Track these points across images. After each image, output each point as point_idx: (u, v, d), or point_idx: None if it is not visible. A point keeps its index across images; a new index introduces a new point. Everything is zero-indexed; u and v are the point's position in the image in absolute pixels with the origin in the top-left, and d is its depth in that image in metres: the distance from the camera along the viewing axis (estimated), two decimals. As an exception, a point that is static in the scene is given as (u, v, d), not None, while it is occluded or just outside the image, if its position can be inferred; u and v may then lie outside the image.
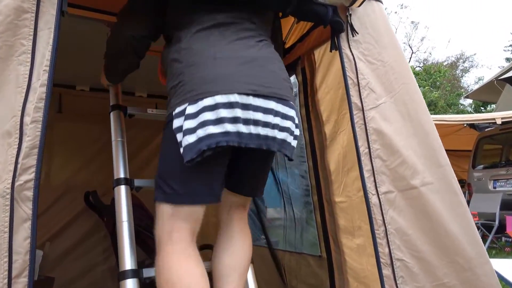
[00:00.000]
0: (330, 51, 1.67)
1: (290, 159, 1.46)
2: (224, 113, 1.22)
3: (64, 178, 3.27)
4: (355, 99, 1.55)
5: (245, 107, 1.25)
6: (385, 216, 1.44)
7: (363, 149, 1.52)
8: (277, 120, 1.33)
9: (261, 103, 1.29)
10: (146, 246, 2.83)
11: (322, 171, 2.33)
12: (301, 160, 2.53)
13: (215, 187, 1.35)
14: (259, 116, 1.28)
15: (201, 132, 1.22)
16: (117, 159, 1.68)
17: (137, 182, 1.66)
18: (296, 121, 1.45)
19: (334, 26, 1.63)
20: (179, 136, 1.27)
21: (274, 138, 1.33)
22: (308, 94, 2.44)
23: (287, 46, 2.66)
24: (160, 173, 1.35)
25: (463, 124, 7.32)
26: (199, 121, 1.23)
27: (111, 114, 1.83)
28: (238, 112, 1.23)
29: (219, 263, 1.44)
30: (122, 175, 1.63)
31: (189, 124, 1.23)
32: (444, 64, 28.02)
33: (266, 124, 1.30)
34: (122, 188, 1.60)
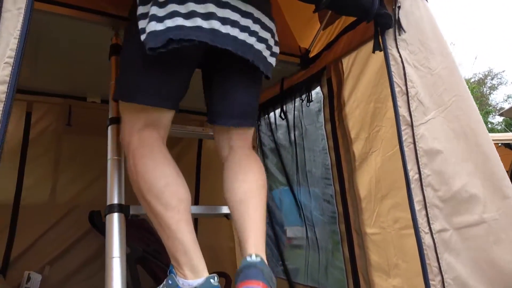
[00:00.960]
0: (373, 51, 1.37)
1: (266, 77, 1.31)
2: (194, 6, 1.11)
3: (70, 196, 3.07)
4: (403, 111, 1.25)
5: (221, 4, 1.14)
6: (440, 262, 1.12)
7: (412, 174, 1.22)
8: (256, 28, 1.22)
9: (240, 5, 1.18)
10: (154, 274, 2.57)
11: (350, 197, 2.02)
12: (326, 183, 2.23)
13: (173, 92, 1.24)
14: (236, 17, 1.17)
15: (169, 22, 1.11)
16: (111, 182, 1.42)
17: (133, 210, 1.40)
18: (276, 38, 1.35)
19: (380, 20, 1.37)
20: (142, 23, 1.16)
21: (251, 46, 1.20)
22: (334, 108, 2.16)
23: (312, 55, 2.40)
24: (120, 70, 1.29)
25: (498, 143, 6.85)
26: (167, 11, 1.12)
27: (109, 128, 1.59)
28: (212, 8, 1.13)
29: (232, 193, 1.25)
30: (115, 201, 1.37)
31: (156, 11, 1.13)
32: (471, 81, 27.20)
33: (244, 29, 1.19)
34: (115, 217, 1.34)
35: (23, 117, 3.04)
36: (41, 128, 3.10)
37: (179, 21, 1.11)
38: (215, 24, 1.13)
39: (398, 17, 1.30)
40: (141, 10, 1.19)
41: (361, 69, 1.95)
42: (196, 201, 3.27)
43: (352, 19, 2.04)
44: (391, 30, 1.33)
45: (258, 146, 3.04)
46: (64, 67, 2.51)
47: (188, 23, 1.11)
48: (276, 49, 1.35)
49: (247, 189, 1.24)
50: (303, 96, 2.45)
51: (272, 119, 2.80)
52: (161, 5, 1.14)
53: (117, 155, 1.49)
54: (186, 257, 1.09)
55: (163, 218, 1.11)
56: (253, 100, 1.39)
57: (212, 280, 1.07)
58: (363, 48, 1.93)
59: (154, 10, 1.13)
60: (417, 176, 1.19)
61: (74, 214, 3.01)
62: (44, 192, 3.03)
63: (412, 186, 1.19)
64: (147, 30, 1.12)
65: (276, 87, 2.71)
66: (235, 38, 1.16)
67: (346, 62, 2.06)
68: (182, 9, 1.11)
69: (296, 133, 2.52)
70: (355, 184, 1.95)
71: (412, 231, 1.22)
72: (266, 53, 1.27)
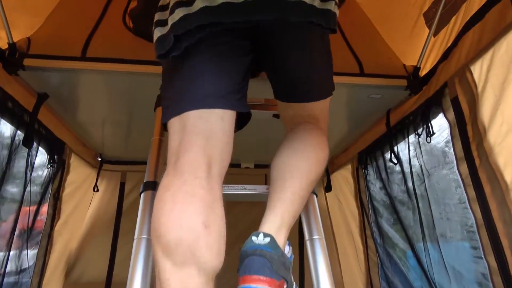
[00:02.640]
0: None
1: (332, 30, 1.00)
2: None
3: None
4: None
5: None
6: None
7: None
8: None
9: None
10: None
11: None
12: (472, 255, 1.46)
13: (215, 88, 0.92)
14: None
15: (172, 19, 0.92)
16: (150, 160, 1.26)
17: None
18: None
19: None
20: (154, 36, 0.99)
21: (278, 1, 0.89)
22: (469, 140, 1.45)
23: (423, 72, 1.76)
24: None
25: None
26: (169, 8, 0.95)
27: (142, 195, 1.22)
28: None
29: (274, 168, 1.03)
30: (152, 179, 1.21)
31: (160, 16, 1.00)
32: None
33: None
34: (150, 195, 1.14)
35: (117, 188, 2.99)
36: (134, 199, 3.01)
37: (182, 11, 0.91)
38: None
39: None
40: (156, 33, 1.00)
41: (506, 74, 1.26)
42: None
43: (476, 6, 1.39)
44: None
45: (368, 201, 2.37)
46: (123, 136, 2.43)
47: (190, 9, 0.90)
48: None
49: (292, 166, 1.00)
50: (420, 130, 1.78)
51: (382, 166, 2.14)
52: (164, 8, 1.00)
53: (158, 135, 1.35)
54: None
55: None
56: (315, 67, 1.12)
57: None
58: (503, 41, 1.26)
59: (158, 17, 1.00)
60: None
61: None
62: (136, 267, 2.83)
63: None
64: (154, 39, 0.99)
65: (380, 123, 2.09)
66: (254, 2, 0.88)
67: (478, 69, 1.38)
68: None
69: (415, 181, 1.82)
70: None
71: None
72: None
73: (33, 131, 1.77)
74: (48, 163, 2.03)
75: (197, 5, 0.89)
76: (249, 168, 3.07)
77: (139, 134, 2.39)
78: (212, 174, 0.85)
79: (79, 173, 2.53)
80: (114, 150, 2.78)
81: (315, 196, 1.26)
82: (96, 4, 1.85)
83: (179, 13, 0.90)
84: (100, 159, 2.83)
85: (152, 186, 1.23)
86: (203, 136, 0.87)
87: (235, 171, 3.11)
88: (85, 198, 2.71)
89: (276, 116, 1.56)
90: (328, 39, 1.15)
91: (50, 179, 2.08)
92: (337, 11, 1.01)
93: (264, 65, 1.15)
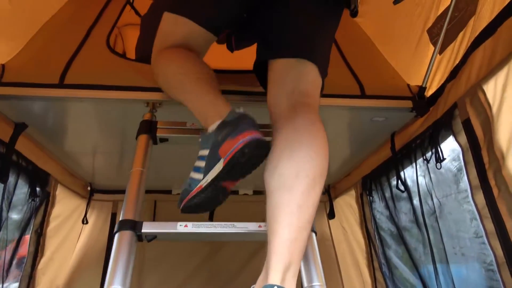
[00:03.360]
0: None
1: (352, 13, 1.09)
2: None
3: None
4: None
5: None
6: None
7: None
8: None
9: None
10: None
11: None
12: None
13: (214, 13, 1.17)
14: None
15: None
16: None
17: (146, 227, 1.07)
18: None
19: None
20: None
21: None
22: (485, 166, 1.30)
23: (429, 92, 1.63)
24: None
25: None
26: None
27: (116, 236, 1.07)
28: None
29: (274, 173, 0.92)
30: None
31: None
32: None
33: None
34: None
35: (108, 219, 2.84)
36: (126, 229, 2.84)
37: None
38: None
39: None
40: None
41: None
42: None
43: (485, 21, 1.27)
44: None
45: (375, 230, 2.20)
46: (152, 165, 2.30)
47: None
48: None
49: (296, 172, 0.90)
50: (428, 155, 1.64)
51: (388, 192, 1.98)
52: None
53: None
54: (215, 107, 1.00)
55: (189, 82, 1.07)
56: (324, 34, 1.16)
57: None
58: (520, 56, 1.13)
59: None
60: None
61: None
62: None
63: None
64: None
65: (385, 147, 1.95)
66: None
67: (491, 88, 1.25)
68: None
69: (425, 211, 1.67)
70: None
71: None
72: None
73: (9, 164, 1.63)
74: (29, 197, 1.88)
75: None
76: (248, 194, 2.92)
77: (132, 161, 2.26)
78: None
79: (66, 204, 2.38)
80: (106, 179, 2.64)
81: (314, 235, 1.11)
82: (79, 29, 1.75)
83: None
84: (90, 189, 2.68)
85: (131, 225, 1.08)
86: None
87: (232, 198, 2.94)
88: (73, 232, 2.55)
89: None
90: (338, 24, 1.21)
91: (31, 214, 1.93)
92: None
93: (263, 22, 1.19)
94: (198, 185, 1.00)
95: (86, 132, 1.85)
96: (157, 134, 1.35)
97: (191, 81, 1.07)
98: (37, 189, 1.92)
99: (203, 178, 0.99)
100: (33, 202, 1.91)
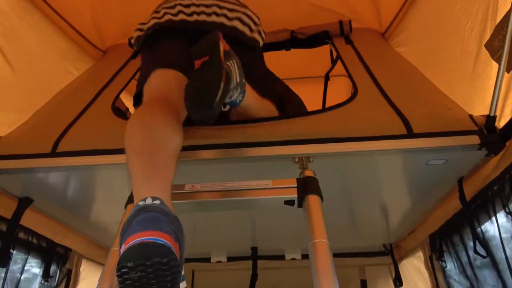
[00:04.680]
0: None
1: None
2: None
3: None
4: None
5: None
6: None
7: None
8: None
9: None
10: None
11: None
12: None
13: (171, 58, 1.32)
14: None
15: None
16: None
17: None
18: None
19: None
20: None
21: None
22: None
23: (501, 123, 1.24)
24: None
25: None
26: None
27: None
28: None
29: None
30: None
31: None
32: None
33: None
34: None
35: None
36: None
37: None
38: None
39: None
40: None
41: None
42: None
43: None
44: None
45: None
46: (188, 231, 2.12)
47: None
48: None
49: None
50: (512, 205, 1.21)
51: (464, 257, 1.53)
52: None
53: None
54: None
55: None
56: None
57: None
58: None
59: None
60: None
61: None
62: None
63: None
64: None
65: (452, 196, 1.52)
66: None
67: None
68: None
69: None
70: None
71: None
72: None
73: (9, 245, 1.48)
74: (42, 278, 1.71)
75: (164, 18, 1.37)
76: (296, 259, 2.55)
77: None
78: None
79: (94, 281, 2.20)
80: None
81: None
82: (85, 95, 1.64)
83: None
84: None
85: None
86: None
87: (278, 264, 2.60)
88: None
89: (289, 203, 1.13)
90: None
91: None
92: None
93: None
94: None
95: (111, 200, 1.67)
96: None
97: (134, 155, 0.99)
98: (50, 268, 1.75)
99: None
100: (46, 283, 1.73)
